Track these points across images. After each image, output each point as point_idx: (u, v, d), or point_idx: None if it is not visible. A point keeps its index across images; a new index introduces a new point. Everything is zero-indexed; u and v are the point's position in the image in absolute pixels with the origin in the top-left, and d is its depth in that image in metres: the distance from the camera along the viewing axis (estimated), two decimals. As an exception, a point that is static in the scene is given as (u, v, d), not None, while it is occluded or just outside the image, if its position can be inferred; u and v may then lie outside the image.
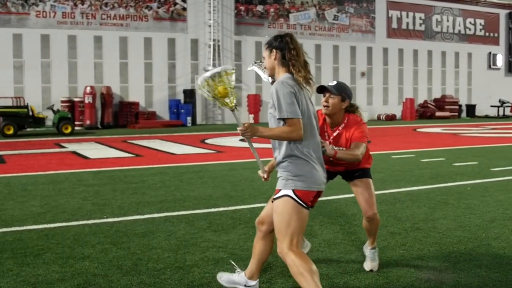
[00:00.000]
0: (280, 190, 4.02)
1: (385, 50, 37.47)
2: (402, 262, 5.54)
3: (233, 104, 4.17)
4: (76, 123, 27.21)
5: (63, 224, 7.09)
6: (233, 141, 19.70)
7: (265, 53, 4.22)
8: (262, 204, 8.16)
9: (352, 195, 6.85)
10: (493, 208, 8.04)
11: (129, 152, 16.35)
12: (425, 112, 37.50)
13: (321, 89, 5.04)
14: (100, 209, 7.95)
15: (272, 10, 33.39)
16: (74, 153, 16.30)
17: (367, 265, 5.35)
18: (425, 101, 38.47)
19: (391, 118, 35.69)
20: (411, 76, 38.65)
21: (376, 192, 8.92)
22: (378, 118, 36.15)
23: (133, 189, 9.72)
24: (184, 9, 30.79)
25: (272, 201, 4.12)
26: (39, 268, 5.32)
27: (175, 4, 30.55)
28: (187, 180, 10.88)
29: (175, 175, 11.50)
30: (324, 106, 5.04)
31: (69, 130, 23.49)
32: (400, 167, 12.63)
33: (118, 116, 28.69)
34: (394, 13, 38.03)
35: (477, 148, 17.55)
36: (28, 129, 24.25)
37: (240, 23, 32.18)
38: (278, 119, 3.96)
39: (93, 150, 17.27)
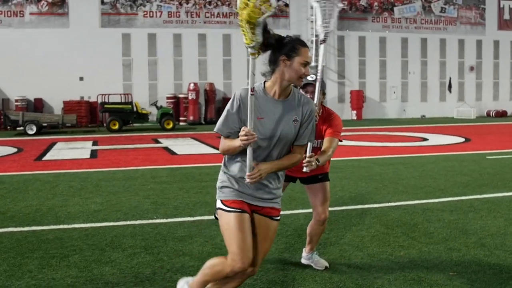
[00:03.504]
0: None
1: (496, 43, 36.06)
2: (448, 284, 5.08)
3: (253, 41, 3.53)
4: (181, 118, 28.27)
5: (110, 224, 7.40)
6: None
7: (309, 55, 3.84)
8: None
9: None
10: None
11: (216, 148, 16.86)
12: (539, 108, 35.92)
13: (305, 85, 5.09)
14: (155, 209, 8.27)
15: (376, 3, 33.01)
16: (166, 148, 17.02)
17: (320, 264, 5.52)
18: (539, 96, 36.82)
19: (501, 114, 34.38)
20: (525, 70, 37.06)
21: (451, 199, 9.00)
22: (488, 114, 34.92)
23: (200, 188, 10.02)
24: (287, 5, 31.09)
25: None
26: (58, 271, 5.45)
27: (278, 0, 30.89)
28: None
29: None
30: None
31: (171, 125, 24.42)
32: (491, 170, 12.15)
33: (220, 112, 29.37)
34: (506, 3, 36.48)
35: None
36: (134, 125, 25.46)
37: (343, 18, 32.03)
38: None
39: (184, 146, 17.94)
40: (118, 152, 16.27)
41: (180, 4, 29.59)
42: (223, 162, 3.96)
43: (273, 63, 3.79)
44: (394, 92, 33.57)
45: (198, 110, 28.72)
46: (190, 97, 28.29)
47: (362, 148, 17.06)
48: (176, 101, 28.70)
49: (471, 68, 35.36)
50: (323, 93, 5.10)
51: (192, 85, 28.34)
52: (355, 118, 30.99)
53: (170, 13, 29.47)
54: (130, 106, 24.63)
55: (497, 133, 22.84)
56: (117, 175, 11.64)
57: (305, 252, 5.66)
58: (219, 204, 3.86)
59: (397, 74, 33.64)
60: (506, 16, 36.44)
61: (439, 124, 27.51)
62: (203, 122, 28.91)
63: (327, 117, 5.18)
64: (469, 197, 9.11)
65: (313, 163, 4.55)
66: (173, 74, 29.52)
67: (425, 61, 34.09)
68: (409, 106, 33.72)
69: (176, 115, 27.80)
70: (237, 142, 3.69)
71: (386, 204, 8.62)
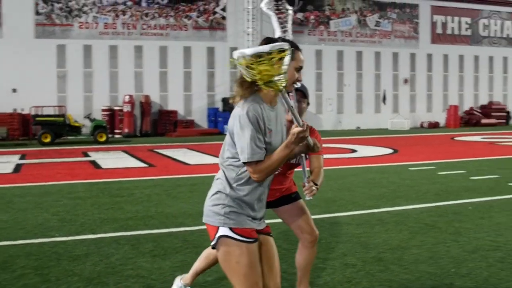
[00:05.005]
0: None
1: (429, 56, 36.90)
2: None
3: (282, 85, 3.19)
4: (116, 131, 28.00)
5: (9, 243, 7.20)
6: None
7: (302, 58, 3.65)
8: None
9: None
10: (485, 234, 7.43)
11: (144, 162, 16.73)
12: (471, 120, 36.77)
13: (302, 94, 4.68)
14: (60, 226, 8.11)
15: (312, 17, 33.42)
16: (93, 162, 16.80)
17: None
18: (471, 108, 37.69)
19: (434, 125, 35.13)
20: (457, 83, 37.97)
21: (362, 212, 9.11)
22: (421, 125, 35.63)
23: (113, 204, 9.91)
24: (224, 18, 31.19)
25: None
26: None
27: (215, 13, 30.98)
28: (176, 193, 11.03)
29: (168, 188, 11.67)
30: None
31: (104, 138, 24.14)
32: (410, 181, 12.37)
33: (156, 124, 29.27)
34: (439, 18, 37.43)
35: (507, 159, 17.15)
36: (67, 137, 25.08)
37: (279, 31, 32.24)
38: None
39: (113, 159, 17.74)
40: (43, 166, 15.99)
41: (117, 15, 29.37)
42: (226, 185, 3.48)
43: None
44: (330, 104, 33.96)
45: (134, 122, 28.49)
46: (125, 110, 28.04)
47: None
48: (112, 113, 28.41)
49: (405, 81, 36.07)
50: (307, 102, 4.75)
51: (127, 97, 28.10)
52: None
53: (106, 24, 29.22)
54: (62, 118, 24.26)
55: (425, 144, 23.31)
56: (33, 191, 11.42)
57: None
58: (225, 232, 3.42)
59: (333, 86, 34.10)
60: (439, 30, 37.36)
61: (372, 136, 27.91)
62: (139, 135, 28.67)
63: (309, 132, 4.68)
64: (380, 210, 9.21)
65: (314, 188, 4.11)
66: (109, 86, 29.23)
67: (360, 73, 34.64)
68: (344, 117, 34.15)
69: (111, 127, 27.52)
70: (290, 146, 3.33)
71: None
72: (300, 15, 33.00)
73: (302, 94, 4.63)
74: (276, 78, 3.13)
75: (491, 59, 39.13)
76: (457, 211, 9.09)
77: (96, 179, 13.14)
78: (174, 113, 29.59)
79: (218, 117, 29.74)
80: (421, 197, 10.48)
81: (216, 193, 3.49)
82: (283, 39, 3.57)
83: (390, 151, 19.86)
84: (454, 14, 37.85)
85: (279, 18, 4.27)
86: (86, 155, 19.08)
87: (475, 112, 37.45)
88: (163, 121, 29.38)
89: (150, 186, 11.99)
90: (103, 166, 15.85)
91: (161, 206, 9.70)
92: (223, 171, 3.52)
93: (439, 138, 26.75)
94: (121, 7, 29.36)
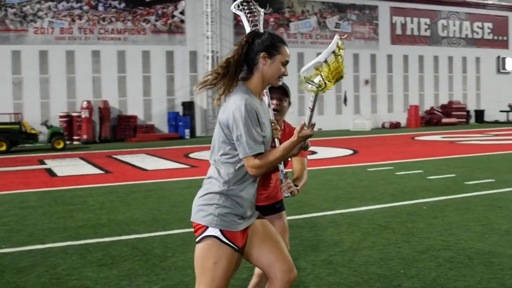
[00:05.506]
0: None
1: (389, 57, 37.17)
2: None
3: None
4: (74, 137, 27.59)
5: None
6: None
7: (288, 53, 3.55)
8: (181, 230, 8.11)
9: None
10: (436, 233, 7.44)
11: (101, 169, 16.46)
12: (431, 119, 37.11)
13: (285, 93, 4.40)
14: (8, 237, 7.90)
15: (272, 19, 33.40)
16: (48, 170, 16.45)
17: None
18: (432, 108, 38.06)
19: (395, 126, 35.36)
20: (417, 83, 38.30)
21: (316, 214, 9.02)
22: (382, 126, 35.85)
23: (65, 212, 9.69)
24: (182, 21, 30.96)
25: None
26: None
27: (173, 16, 30.74)
28: (130, 200, 10.85)
29: (122, 195, 11.48)
30: (275, 110, 4.22)
31: (61, 145, 23.73)
32: (367, 182, 12.36)
33: (116, 130, 28.91)
34: (398, 19, 37.73)
35: (465, 157, 17.30)
36: (24, 145, 24.61)
37: (239, 33, 32.15)
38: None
39: (69, 167, 17.40)
40: (-5, 175, 15.64)
41: (73, 20, 28.92)
42: (222, 183, 3.39)
43: (251, 61, 3.46)
44: (291, 107, 33.93)
45: (92, 128, 28.07)
46: (83, 116, 27.60)
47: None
48: (69, 119, 27.96)
49: (366, 82, 36.27)
50: (289, 101, 4.48)
51: (85, 103, 27.69)
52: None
53: (62, 29, 28.75)
54: (18, 126, 23.78)
55: (385, 144, 23.43)
56: (-18, 201, 11.14)
57: None
58: (214, 232, 3.35)
59: (293, 88, 33.72)
60: (398, 31, 37.66)
61: (334, 137, 27.98)
62: (98, 141, 28.27)
63: (290, 133, 4.18)
64: (335, 212, 9.17)
65: (294, 188, 3.80)
66: (66, 92, 28.74)
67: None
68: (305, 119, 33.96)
69: (69, 134, 27.10)
70: (294, 142, 3.34)
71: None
72: (259, 18, 32.89)
73: (284, 92, 4.38)
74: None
75: (450, 59, 39.58)
76: (411, 211, 9.08)
77: (50, 188, 12.86)
78: (134, 118, 29.27)
79: (179, 122, 29.48)
80: (376, 198, 10.46)
81: (209, 193, 3.40)
82: (259, 33, 3.56)
83: (350, 152, 19.89)
84: (413, 15, 38.19)
85: (250, 18, 4.16)
86: (42, 163, 18.71)
87: (436, 112, 37.81)
88: (123, 126, 29.02)
89: (105, 193, 11.78)
90: (59, 174, 15.53)
91: (114, 214, 9.52)
92: (217, 169, 3.43)
93: (400, 138, 26.92)
94: (77, 12, 28.92)
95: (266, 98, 3.90)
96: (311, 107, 3.37)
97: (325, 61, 3.20)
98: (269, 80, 3.49)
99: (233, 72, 3.45)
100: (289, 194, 3.78)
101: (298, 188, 3.89)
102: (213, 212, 3.36)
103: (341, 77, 3.26)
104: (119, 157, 19.95)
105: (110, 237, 7.83)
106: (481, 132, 29.12)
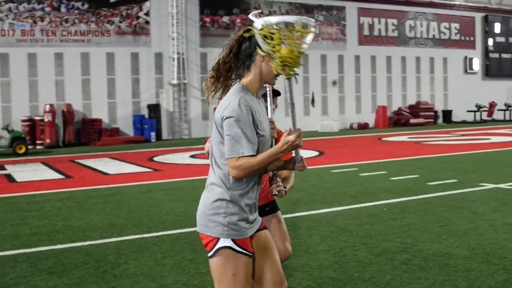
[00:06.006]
0: None
1: (357, 58, 37.17)
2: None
3: (294, 71, 3.07)
4: (37, 142, 27.08)
5: None
6: (183, 158, 19.47)
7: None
8: (136, 236, 7.90)
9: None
10: (394, 235, 7.34)
11: (62, 174, 16.11)
12: (399, 120, 37.20)
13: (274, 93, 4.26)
14: (-45, 247, 7.64)
15: (238, 20, 33.17)
16: (7, 176, 16.04)
17: None
18: (399, 108, 38.18)
19: (363, 126, 35.37)
20: (385, 83, 38.32)
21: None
22: (350, 127, 35.85)
23: (20, 219, 9.40)
24: (147, 22, 30.58)
25: None
26: None
27: (138, 18, 30.33)
28: (88, 205, 10.61)
29: (81, 200, 11.22)
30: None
31: (23, 150, 23.23)
32: (330, 184, 12.23)
33: (80, 133, 28.43)
34: (366, 20, 37.75)
35: (430, 158, 17.24)
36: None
37: (205, 35, 31.95)
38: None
39: (29, 172, 17.00)
40: (-49, 181, 15.20)
41: (35, 22, 28.35)
42: (225, 187, 3.24)
43: (248, 57, 3.31)
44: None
45: (56, 132, 27.52)
46: (46, 119, 27.04)
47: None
48: (32, 123, 27.41)
49: (334, 83, 36.22)
50: (276, 104, 4.36)
51: (47, 106, 27.15)
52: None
53: (23, 31, 28.15)
54: (-23, 131, 23.33)
55: (352, 145, 23.38)
56: None
57: None
58: (227, 243, 3.22)
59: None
60: (366, 32, 37.68)
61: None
62: (61, 145, 27.76)
63: (278, 136, 4.16)
64: (295, 215, 9.00)
65: (282, 188, 3.79)
66: (28, 96, 28.14)
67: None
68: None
69: (31, 138, 26.59)
70: (281, 149, 3.16)
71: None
72: (226, 19, 32.77)
73: (275, 91, 4.23)
74: (293, 61, 2.96)
75: (418, 59, 39.71)
76: (371, 213, 8.97)
77: (8, 194, 12.52)
78: (98, 121, 28.78)
79: (144, 124, 29.07)
80: (338, 200, 10.34)
81: (216, 200, 3.25)
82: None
83: (316, 153, 19.78)
84: (380, 15, 38.21)
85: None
86: (2, 168, 18.26)
87: (404, 112, 37.91)
88: (87, 130, 28.49)
89: (63, 199, 11.50)
90: (18, 180, 15.13)
91: (70, 220, 9.28)
92: (218, 172, 3.28)
93: (367, 139, 26.90)
94: (39, 13, 28.32)
95: (268, 98, 3.90)
96: (290, 103, 3.24)
97: (278, 27, 2.99)
98: (267, 77, 3.34)
99: (226, 73, 3.37)
100: (277, 193, 3.73)
101: (286, 189, 3.84)
102: (222, 222, 3.23)
103: (286, 65, 3.00)
104: (81, 161, 19.58)
105: (64, 244, 7.62)
106: (448, 133, 29.26)
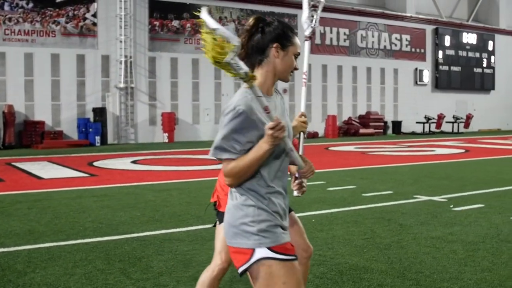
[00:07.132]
0: None
1: (308, 67, 37.03)
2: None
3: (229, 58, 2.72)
4: (-24, 143, 26.28)
5: None
6: (124, 163, 18.98)
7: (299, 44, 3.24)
8: (52, 244, 7.50)
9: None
10: (316, 248, 6.76)
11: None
12: (349, 129, 37.29)
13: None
14: None
15: (188, 25, 32.79)
16: None
17: None
18: (349, 118, 38.29)
19: (313, 135, 35.32)
20: (335, 93, 38.39)
21: (201, 227, 8.49)
22: (300, 135, 35.73)
23: None
24: (95, 24, 29.96)
25: None
26: None
27: (85, 19, 29.69)
28: (12, 211, 10.08)
29: (6, 205, 10.66)
30: None
31: (-42, 152, 22.49)
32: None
33: (22, 135, 27.66)
34: (317, 29, 37.75)
35: (371, 168, 17.12)
36: None
37: (154, 38, 31.47)
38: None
39: (-41, 175, 16.38)
40: None
41: (-23, 20, 27.59)
42: (250, 193, 3.03)
43: (260, 52, 3.09)
44: (208, 114, 33.41)
45: (-5, 134, 26.79)
46: (-14, 121, 26.31)
47: (150, 174, 16.36)
48: (-28, 125, 26.64)
49: (284, 91, 36.09)
50: None
51: (-12, 107, 26.40)
52: (166, 140, 30.30)
53: (-35, 30, 27.39)
54: None
55: (299, 154, 23.12)
56: None
57: None
58: (263, 254, 2.94)
59: (210, 96, 33.55)
60: (317, 41, 37.68)
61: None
62: (2, 147, 26.96)
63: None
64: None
65: (305, 186, 3.56)
66: (-31, 96, 27.38)
67: (238, 83, 34.26)
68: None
69: (-29, 140, 25.80)
70: (263, 146, 2.91)
71: (127, 236, 8.01)
72: (176, 23, 32.32)
73: None
74: (228, 60, 2.67)
75: (369, 70, 39.89)
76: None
77: None
78: (41, 123, 28.02)
79: (89, 128, 28.43)
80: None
81: (239, 209, 3.02)
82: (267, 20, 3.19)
83: (260, 161, 19.46)
84: (332, 25, 38.28)
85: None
86: None
87: (354, 122, 38.01)
88: (29, 132, 27.70)
89: (-12, 204, 10.98)
90: None
91: (-16, 227, 8.80)
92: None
93: (314, 148, 26.76)
94: (-20, 12, 27.61)
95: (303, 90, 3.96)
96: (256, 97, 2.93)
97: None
98: (281, 74, 3.16)
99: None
100: (300, 194, 3.47)
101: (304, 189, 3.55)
102: (253, 231, 2.97)
103: (218, 62, 2.72)
104: (19, 164, 18.93)
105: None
106: (396, 143, 29.39)
